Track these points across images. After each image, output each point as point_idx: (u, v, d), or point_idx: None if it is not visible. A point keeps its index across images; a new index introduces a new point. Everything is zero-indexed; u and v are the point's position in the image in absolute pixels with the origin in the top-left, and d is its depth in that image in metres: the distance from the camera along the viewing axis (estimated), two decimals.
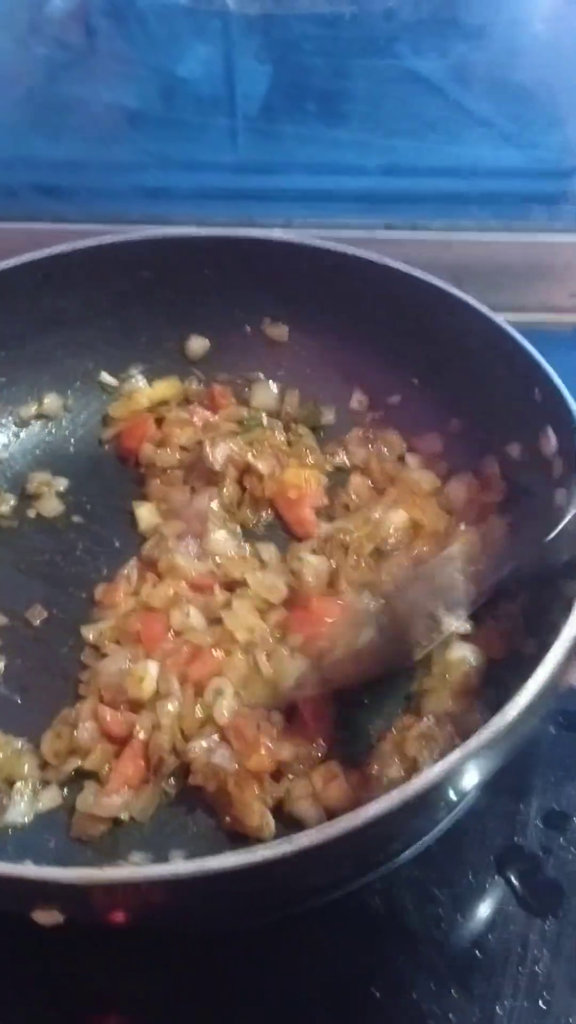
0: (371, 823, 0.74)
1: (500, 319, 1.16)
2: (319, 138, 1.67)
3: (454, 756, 0.77)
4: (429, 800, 0.79)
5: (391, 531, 1.18)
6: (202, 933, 0.92)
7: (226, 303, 1.36)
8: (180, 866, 0.72)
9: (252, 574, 1.14)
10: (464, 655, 1.06)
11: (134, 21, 1.68)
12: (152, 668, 1.04)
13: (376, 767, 0.98)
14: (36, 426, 1.33)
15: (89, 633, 1.10)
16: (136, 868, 0.78)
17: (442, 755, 0.90)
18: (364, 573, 1.15)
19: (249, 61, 1.68)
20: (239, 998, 0.92)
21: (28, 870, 0.72)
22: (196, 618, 1.10)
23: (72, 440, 1.33)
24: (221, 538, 1.17)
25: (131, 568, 1.16)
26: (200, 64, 1.69)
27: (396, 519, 1.20)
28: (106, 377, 1.35)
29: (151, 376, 1.37)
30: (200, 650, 1.06)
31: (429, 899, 0.96)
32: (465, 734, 0.95)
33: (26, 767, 1.00)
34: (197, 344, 1.37)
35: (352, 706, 1.04)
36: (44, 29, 1.66)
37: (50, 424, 1.33)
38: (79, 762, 1.00)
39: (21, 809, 0.97)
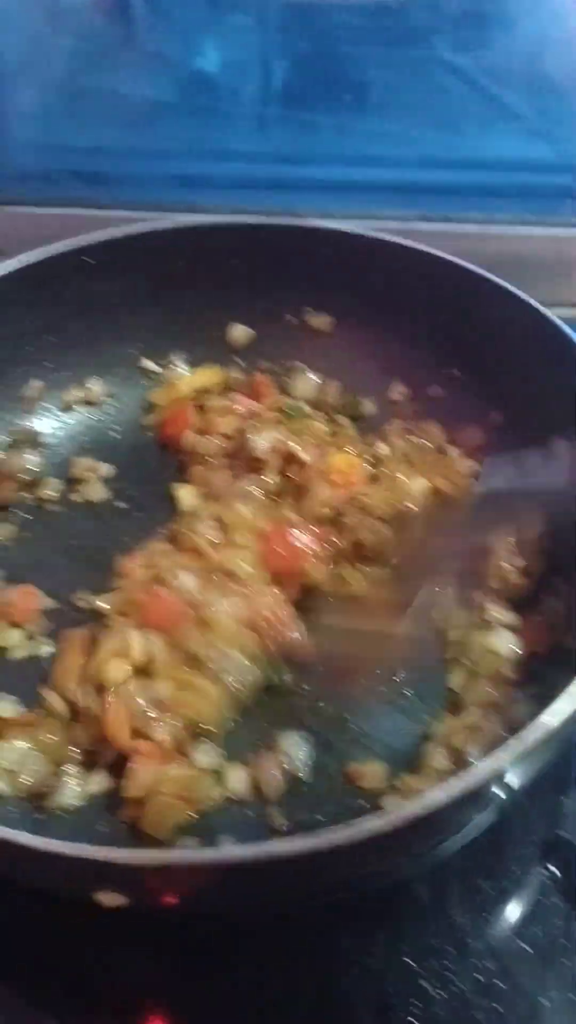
0: (434, 811, 0.75)
1: (546, 310, 1.16)
2: (355, 128, 1.67)
3: (521, 742, 0.77)
4: (489, 790, 0.79)
5: (411, 496, 1.20)
6: (247, 919, 0.92)
7: (268, 292, 1.36)
8: (252, 849, 0.72)
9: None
10: (506, 645, 1.07)
11: (170, 7, 1.68)
12: (136, 641, 1.03)
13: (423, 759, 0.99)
14: (81, 411, 1.33)
15: (104, 603, 1.10)
16: (203, 851, 0.78)
17: (490, 747, 0.91)
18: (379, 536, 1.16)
19: (285, 49, 1.68)
20: (283, 984, 0.92)
21: (103, 852, 0.72)
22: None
23: (116, 426, 1.34)
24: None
25: (156, 541, 1.16)
26: (236, 51, 1.69)
27: (417, 486, 1.21)
28: (148, 363, 1.35)
29: (193, 363, 1.37)
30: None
31: (475, 890, 0.96)
32: (511, 726, 0.97)
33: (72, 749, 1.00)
34: (239, 332, 1.37)
35: (395, 698, 1.05)
36: (80, 15, 1.65)
37: (94, 410, 1.34)
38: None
39: (72, 792, 0.96)
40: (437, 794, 0.75)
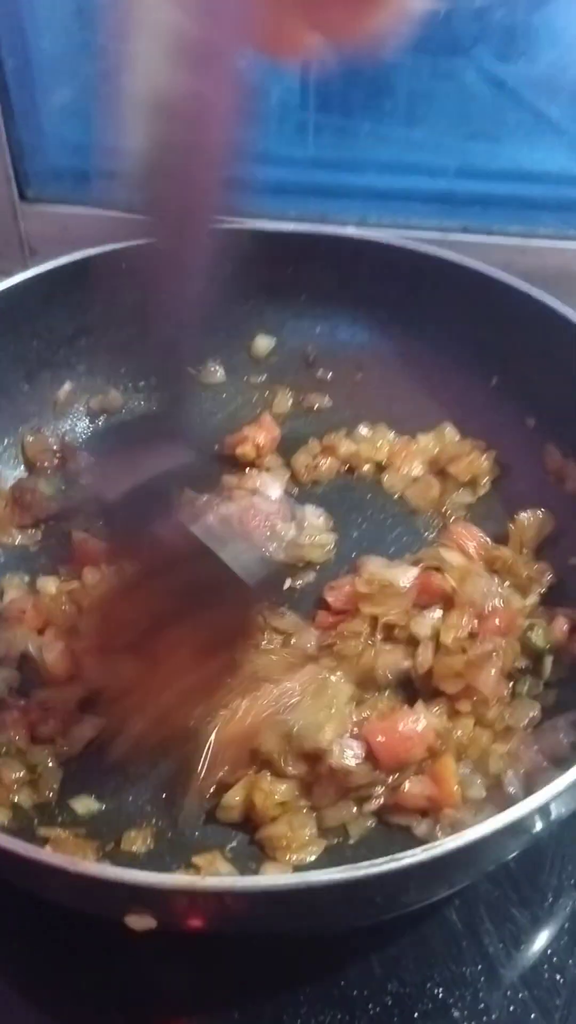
0: (474, 845, 0.73)
1: None
2: (395, 137, 1.65)
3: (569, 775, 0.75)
4: (532, 823, 0.77)
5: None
6: (281, 940, 0.91)
7: (301, 302, 1.34)
8: (288, 878, 0.72)
9: None
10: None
11: None
12: None
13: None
14: (111, 417, 1.31)
15: None
16: (237, 879, 0.76)
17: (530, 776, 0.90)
18: None
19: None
20: (309, 1007, 0.90)
21: (135, 875, 0.70)
22: None
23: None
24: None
25: None
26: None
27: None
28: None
29: (228, 371, 1.36)
30: None
31: (508, 919, 0.95)
32: (551, 754, 0.95)
33: None
34: (263, 343, 1.37)
35: None
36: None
37: (124, 415, 1.32)
38: None
39: None
40: (482, 827, 0.73)
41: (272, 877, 0.78)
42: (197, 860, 0.92)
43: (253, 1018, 0.90)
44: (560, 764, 0.87)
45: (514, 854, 0.89)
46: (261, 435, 1.29)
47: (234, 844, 0.95)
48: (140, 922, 0.75)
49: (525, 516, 1.17)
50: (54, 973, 0.93)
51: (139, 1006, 0.91)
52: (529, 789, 0.87)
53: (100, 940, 0.89)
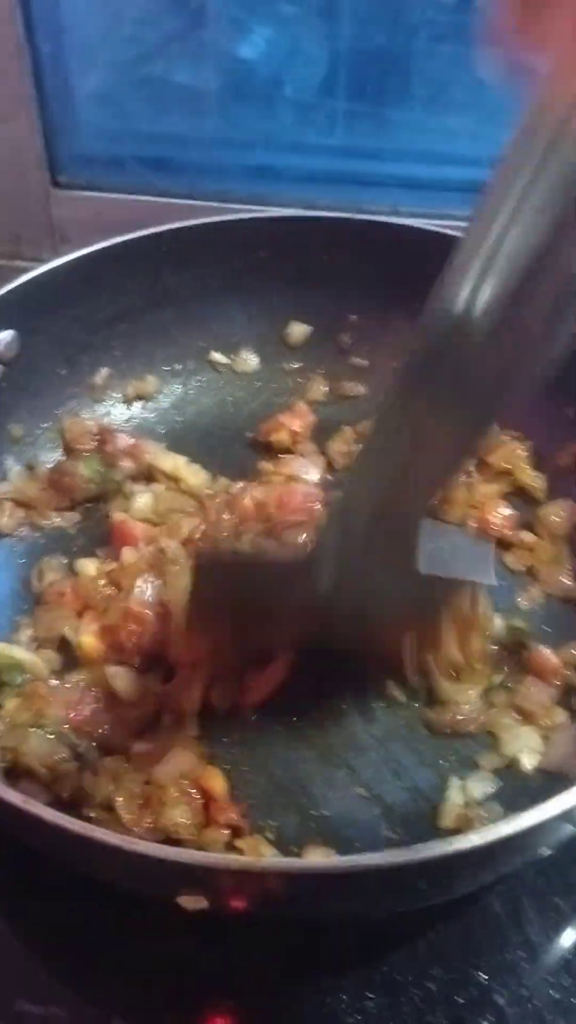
0: (526, 831, 0.73)
1: None
2: (428, 125, 1.65)
3: None
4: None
5: None
6: (324, 924, 0.91)
7: (337, 290, 1.34)
8: (343, 860, 0.72)
9: None
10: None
11: None
12: None
13: None
14: (147, 403, 1.32)
15: None
16: (294, 861, 0.76)
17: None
18: None
19: (360, 43, 1.65)
20: (352, 991, 0.90)
21: (193, 855, 0.70)
22: None
23: (179, 419, 1.33)
24: None
25: None
26: (311, 44, 1.66)
27: None
28: (217, 356, 1.34)
29: (263, 359, 1.36)
30: None
31: (552, 908, 0.95)
32: None
33: None
34: (298, 330, 1.36)
35: None
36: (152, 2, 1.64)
37: (160, 400, 1.32)
38: None
39: None
40: (534, 813, 0.73)
41: (328, 860, 0.78)
42: (240, 844, 0.92)
43: (293, 1002, 0.90)
44: None
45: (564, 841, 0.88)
46: (296, 422, 1.28)
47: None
48: (192, 902, 0.74)
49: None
50: (95, 953, 0.93)
51: (178, 989, 0.91)
52: None
53: (143, 921, 0.89)
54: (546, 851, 0.85)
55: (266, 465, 1.25)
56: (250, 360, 1.35)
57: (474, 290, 0.68)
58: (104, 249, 1.22)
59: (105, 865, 0.76)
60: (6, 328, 1.18)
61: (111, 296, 1.25)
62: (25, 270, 1.19)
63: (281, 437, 1.27)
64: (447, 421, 0.77)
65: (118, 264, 1.23)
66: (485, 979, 0.90)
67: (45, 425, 1.25)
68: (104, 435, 1.23)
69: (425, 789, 0.98)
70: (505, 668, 1.06)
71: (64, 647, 1.07)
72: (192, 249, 1.27)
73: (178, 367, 1.33)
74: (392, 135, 1.65)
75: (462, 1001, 0.89)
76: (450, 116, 1.64)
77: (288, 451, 1.27)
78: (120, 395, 1.30)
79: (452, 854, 0.71)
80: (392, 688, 1.04)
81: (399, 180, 1.62)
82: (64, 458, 1.24)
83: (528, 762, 0.98)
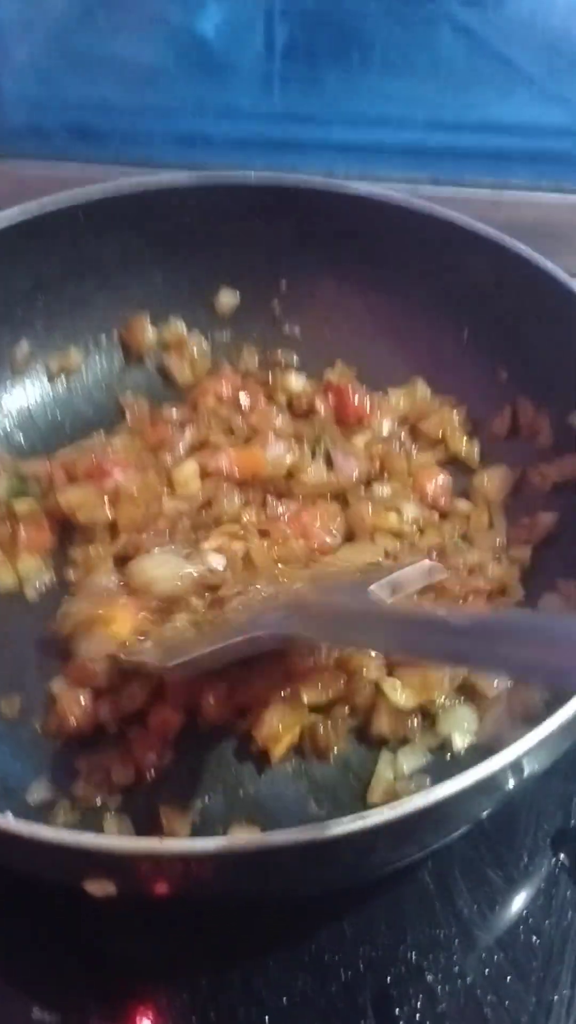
0: (444, 802, 0.70)
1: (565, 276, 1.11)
2: (362, 87, 1.61)
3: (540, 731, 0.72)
4: (505, 780, 0.74)
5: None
6: (250, 904, 0.88)
7: (267, 255, 1.30)
8: (252, 839, 0.69)
9: None
10: None
11: None
12: None
13: None
14: (68, 378, 1.27)
15: None
16: (195, 841, 0.73)
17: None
18: None
19: (291, 5, 1.61)
20: (281, 973, 0.88)
21: (88, 839, 0.67)
22: None
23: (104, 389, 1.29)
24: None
25: None
26: (241, 7, 1.62)
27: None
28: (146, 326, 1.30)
29: (190, 327, 1.31)
30: None
31: (483, 880, 0.92)
32: (523, 713, 0.93)
33: None
34: (228, 298, 1.32)
35: None
36: None
37: (82, 375, 1.28)
38: None
39: None
40: (452, 783, 0.70)
41: (234, 838, 0.75)
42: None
43: (221, 984, 0.87)
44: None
45: (486, 813, 0.86)
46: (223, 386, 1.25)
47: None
48: (100, 888, 0.71)
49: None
50: (19, 942, 0.90)
51: (104, 974, 0.88)
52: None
53: (65, 907, 0.87)
54: (465, 825, 0.82)
55: None
56: (178, 328, 1.30)
57: None
58: (19, 221, 1.16)
59: (6, 853, 0.73)
60: None
61: (29, 266, 1.20)
62: None
63: (208, 401, 1.24)
64: None
65: (36, 234, 1.18)
66: (415, 956, 0.88)
67: None
68: None
69: (355, 764, 0.96)
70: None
71: None
72: (113, 216, 1.22)
73: (103, 339, 1.28)
74: (327, 98, 1.61)
75: (391, 980, 0.87)
76: (387, 78, 1.60)
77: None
78: (42, 368, 1.25)
79: (367, 828, 0.69)
80: None
81: (334, 144, 1.58)
82: None
83: (460, 741, 0.96)
